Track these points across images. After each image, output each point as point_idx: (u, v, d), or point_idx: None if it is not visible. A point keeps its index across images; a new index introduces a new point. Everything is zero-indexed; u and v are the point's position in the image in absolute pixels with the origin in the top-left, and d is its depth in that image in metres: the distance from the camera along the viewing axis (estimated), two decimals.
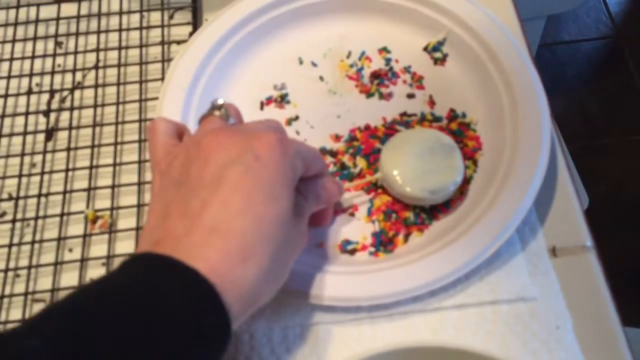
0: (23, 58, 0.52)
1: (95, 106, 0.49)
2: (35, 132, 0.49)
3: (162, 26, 0.53)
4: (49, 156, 0.48)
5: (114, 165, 0.47)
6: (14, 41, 0.53)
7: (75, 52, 0.52)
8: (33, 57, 0.52)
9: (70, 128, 0.48)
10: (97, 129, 0.48)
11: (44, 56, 0.52)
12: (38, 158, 0.47)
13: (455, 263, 0.39)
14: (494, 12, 0.49)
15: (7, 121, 0.49)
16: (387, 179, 0.42)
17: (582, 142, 1.36)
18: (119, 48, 0.52)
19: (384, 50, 0.51)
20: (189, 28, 0.52)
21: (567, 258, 0.41)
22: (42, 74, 0.51)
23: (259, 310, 0.39)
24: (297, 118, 0.48)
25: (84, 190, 0.46)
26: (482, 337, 0.39)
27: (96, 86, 0.50)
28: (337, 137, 0.47)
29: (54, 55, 0.52)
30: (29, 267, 0.43)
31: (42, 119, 0.49)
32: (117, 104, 0.49)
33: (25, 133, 0.48)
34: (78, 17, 0.54)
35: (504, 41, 0.47)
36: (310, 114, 0.48)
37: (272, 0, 0.50)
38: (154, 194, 0.34)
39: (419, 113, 0.47)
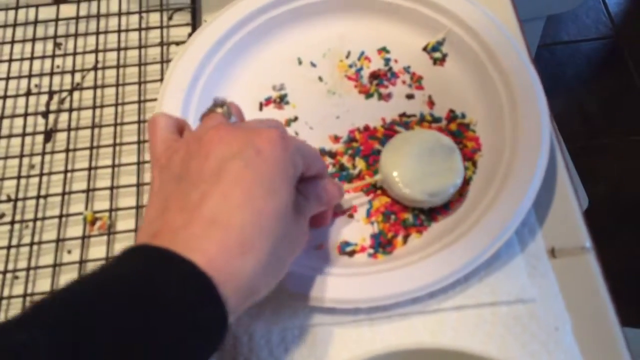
0: (22, 59, 0.52)
1: (94, 107, 0.49)
2: (34, 134, 0.49)
3: (161, 27, 0.53)
4: (47, 157, 0.48)
5: (113, 166, 0.47)
6: (13, 42, 0.53)
7: (74, 53, 0.52)
8: (32, 58, 0.52)
9: (69, 129, 0.48)
10: (96, 130, 0.48)
11: (43, 57, 0.52)
12: (37, 159, 0.47)
13: (454, 264, 0.39)
14: (493, 12, 0.49)
15: (6, 122, 0.49)
16: (387, 181, 0.42)
17: (582, 142, 1.36)
18: (118, 49, 0.52)
19: (383, 50, 0.50)
20: (188, 29, 0.52)
21: (566, 259, 0.41)
22: (41, 75, 0.51)
23: (257, 312, 0.40)
24: (296, 119, 0.48)
25: (82, 191, 0.46)
26: (481, 338, 0.39)
27: (95, 87, 0.50)
28: (336, 138, 0.47)
29: (53, 56, 0.52)
30: (28, 269, 0.43)
31: (41, 120, 0.49)
32: (116, 105, 0.49)
33: (24, 134, 0.48)
34: (77, 18, 0.54)
35: (503, 41, 0.47)
36: (309, 114, 0.48)
37: (271, 0, 0.50)
38: (153, 187, 0.34)
39: (418, 114, 0.47)
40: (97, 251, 0.44)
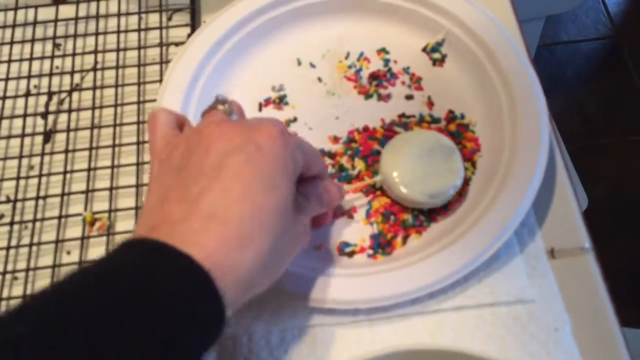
0: (21, 60, 0.52)
1: (93, 108, 0.49)
2: (33, 134, 0.49)
3: (160, 28, 0.53)
4: (47, 158, 0.47)
5: (112, 167, 0.47)
6: (12, 43, 0.53)
7: (74, 54, 0.52)
8: (31, 59, 0.52)
9: (68, 130, 0.48)
10: (95, 131, 0.48)
11: (42, 58, 0.52)
12: (36, 160, 0.47)
13: (454, 265, 0.39)
14: (493, 13, 0.49)
15: (5, 123, 0.49)
16: (387, 182, 0.42)
17: (581, 142, 1.36)
18: (117, 50, 0.52)
19: (382, 51, 0.50)
20: (187, 30, 0.52)
21: (565, 260, 0.41)
22: (40, 75, 0.51)
23: (257, 312, 0.40)
24: (295, 120, 0.48)
25: (82, 192, 0.46)
26: (481, 339, 0.39)
27: (94, 88, 0.50)
28: (335, 139, 0.47)
29: (52, 57, 0.52)
30: (27, 270, 0.43)
31: (40, 121, 0.49)
32: (115, 105, 0.49)
33: (23, 135, 0.48)
34: (76, 19, 0.54)
35: (502, 41, 0.47)
36: (309, 115, 0.48)
37: (270, 1, 0.50)
38: (152, 179, 0.34)
39: (417, 114, 0.47)
40: (97, 252, 0.44)
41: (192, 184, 0.31)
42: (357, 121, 0.47)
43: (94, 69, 0.51)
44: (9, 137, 0.49)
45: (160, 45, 0.52)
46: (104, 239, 0.44)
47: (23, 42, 0.53)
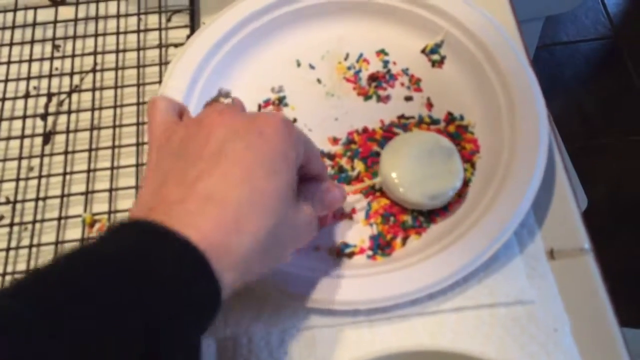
0: (20, 61, 0.52)
1: (92, 109, 0.49)
2: (32, 136, 0.49)
3: (160, 29, 0.53)
4: (46, 159, 0.47)
5: (112, 168, 0.47)
6: (11, 44, 0.53)
7: (73, 55, 0.52)
8: (30, 61, 0.52)
9: (67, 131, 0.48)
10: (95, 132, 0.48)
11: (42, 59, 0.52)
12: (36, 161, 0.47)
13: (454, 266, 0.39)
14: (492, 14, 0.49)
15: (5, 124, 0.49)
16: (386, 183, 0.42)
17: (581, 142, 1.36)
18: (117, 51, 0.52)
19: (381, 52, 0.51)
20: (187, 31, 0.52)
21: (565, 261, 0.41)
22: (39, 77, 0.51)
23: (257, 313, 0.40)
24: (295, 121, 0.48)
25: (81, 193, 0.46)
26: (480, 340, 0.39)
27: (94, 89, 0.50)
28: (334, 140, 0.47)
29: (52, 58, 0.52)
30: (27, 272, 0.43)
31: (39, 122, 0.49)
32: (115, 107, 0.49)
33: (22, 136, 0.48)
34: (75, 20, 0.54)
35: (501, 42, 0.47)
36: (308, 116, 0.48)
37: (270, 2, 0.50)
38: (150, 164, 0.34)
39: (416, 116, 0.47)
40: None
41: (191, 168, 0.31)
42: (357, 122, 0.47)
43: (94, 70, 0.51)
44: (8, 138, 0.49)
45: (160, 46, 0.52)
46: None
47: (22, 43, 0.53)
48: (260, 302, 0.40)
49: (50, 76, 0.51)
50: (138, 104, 0.49)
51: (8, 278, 0.43)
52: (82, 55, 0.52)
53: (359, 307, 0.39)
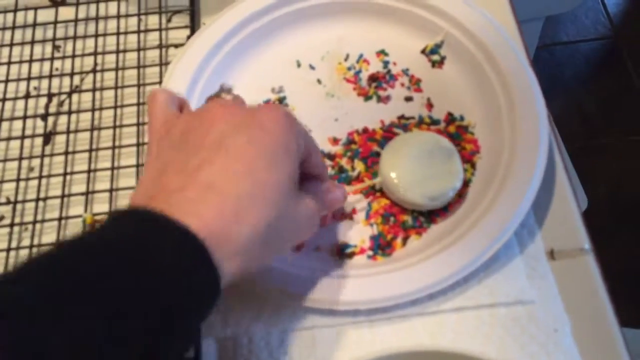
0: (21, 62, 0.52)
1: (93, 110, 0.49)
2: (33, 136, 0.49)
3: (160, 29, 0.53)
4: (47, 160, 0.48)
5: (112, 169, 0.47)
6: (11, 45, 0.53)
7: (73, 56, 0.52)
8: (31, 61, 0.52)
9: (68, 132, 0.48)
10: (95, 133, 0.48)
11: (42, 60, 0.52)
12: (36, 162, 0.47)
13: (454, 266, 0.39)
14: (491, 14, 0.49)
15: (5, 125, 0.49)
16: (386, 184, 0.42)
17: (581, 142, 1.36)
18: (117, 52, 0.52)
19: (381, 53, 0.51)
20: (187, 31, 0.52)
21: (565, 261, 0.41)
22: (39, 77, 0.51)
23: (257, 314, 0.40)
24: None
25: (82, 194, 0.46)
26: (481, 340, 0.39)
27: (94, 90, 0.50)
28: (335, 141, 0.47)
29: (52, 58, 0.52)
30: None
31: (40, 122, 0.49)
32: (115, 107, 0.49)
33: (23, 137, 0.48)
34: (76, 20, 0.54)
35: (501, 43, 0.47)
36: (308, 117, 0.48)
37: (270, 3, 0.50)
38: (150, 156, 0.34)
39: (416, 116, 0.47)
40: None
41: (192, 157, 0.31)
42: (357, 123, 0.47)
43: (94, 71, 0.51)
44: (8, 138, 0.49)
45: (160, 47, 0.52)
46: None
47: (23, 44, 0.53)
48: (260, 302, 0.40)
49: (50, 76, 0.51)
50: (138, 104, 0.49)
51: None
52: (83, 55, 0.52)
53: (359, 307, 0.39)
